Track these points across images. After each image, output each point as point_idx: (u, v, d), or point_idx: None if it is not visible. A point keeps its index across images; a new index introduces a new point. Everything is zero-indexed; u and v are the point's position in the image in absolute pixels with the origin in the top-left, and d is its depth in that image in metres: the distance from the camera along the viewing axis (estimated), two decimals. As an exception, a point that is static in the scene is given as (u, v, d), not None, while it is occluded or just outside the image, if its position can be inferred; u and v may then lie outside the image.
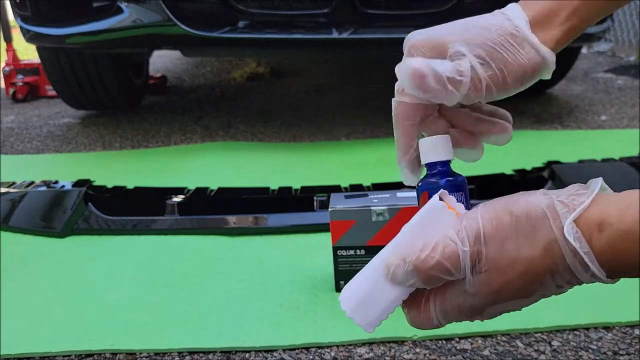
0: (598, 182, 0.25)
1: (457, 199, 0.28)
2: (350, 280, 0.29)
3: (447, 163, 0.30)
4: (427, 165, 0.30)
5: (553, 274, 0.24)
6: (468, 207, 0.29)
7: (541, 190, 0.26)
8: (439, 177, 0.29)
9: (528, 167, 0.93)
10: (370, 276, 0.27)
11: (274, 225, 0.79)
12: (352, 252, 0.60)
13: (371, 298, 0.26)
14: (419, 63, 0.28)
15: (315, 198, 0.81)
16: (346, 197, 0.61)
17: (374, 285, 0.26)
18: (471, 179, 0.88)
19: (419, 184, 0.31)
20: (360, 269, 0.59)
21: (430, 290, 0.27)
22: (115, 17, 1.10)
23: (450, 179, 0.29)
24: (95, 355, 0.53)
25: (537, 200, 0.25)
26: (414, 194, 0.64)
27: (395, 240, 0.27)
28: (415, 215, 0.27)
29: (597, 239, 0.23)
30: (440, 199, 0.28)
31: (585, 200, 0.24)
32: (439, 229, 0.26)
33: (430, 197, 0.29)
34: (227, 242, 0.76)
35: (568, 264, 0.24)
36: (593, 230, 0.23)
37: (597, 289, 0.61)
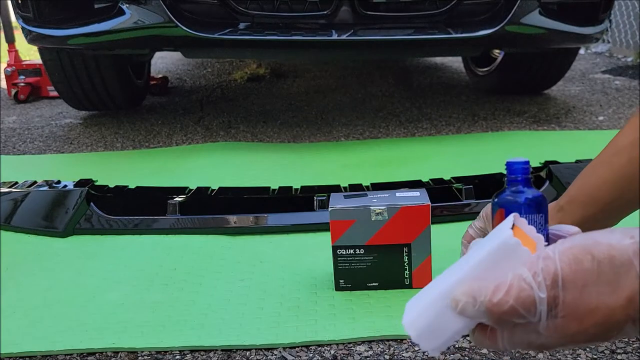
0: None
1: (535, 222, 0.27)
2: (412, 300, 0.28)
3: (527, 168, 0.28)
4: (507, 165, 0.28)
5: (635, 322, 0.23)
6: (545, 230, 0.28)
7: (625, 229, 0.24)
8: (518, 193, 0.27)
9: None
10: (436, 304, 0.26)
11: (274, 225, 0.79)
12: (351, 251, 0.61)
13: (437, 326, 0.26)
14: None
15: (315, 198, 0.82)
16: (346, 196, 0.62)
17: (440, 314, 0.26)
18: (470, 179, 0.88)
19: (495, 199, 0.29)
20: (359, 267, 0.61)
21: None
22: (117, 18, 1.11)
23: (530, 197, 0.27)
24: (97, 354, 0.54)
25: (623, 245, 0.23)
26: (412, 193, 0.64)
27: (464, 270, 0.26)
28: (486, 242, 0.26)
29: None
30: (513, 225, 0.26)
31: None
32: (513, 266, 0.24)
33: (507, 215, 0.27)
34: (228, 242, 0.77)
35: None
36: None
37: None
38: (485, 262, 0.25)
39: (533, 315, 0.24)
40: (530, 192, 0.27)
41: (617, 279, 0.22)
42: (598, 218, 0.37)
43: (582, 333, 0.23)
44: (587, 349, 0.52)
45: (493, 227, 0.30)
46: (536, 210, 0.27)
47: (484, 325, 0.26)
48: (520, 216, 0.27)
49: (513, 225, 0.26)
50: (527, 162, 0.28)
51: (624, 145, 0.37)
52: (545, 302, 0.23)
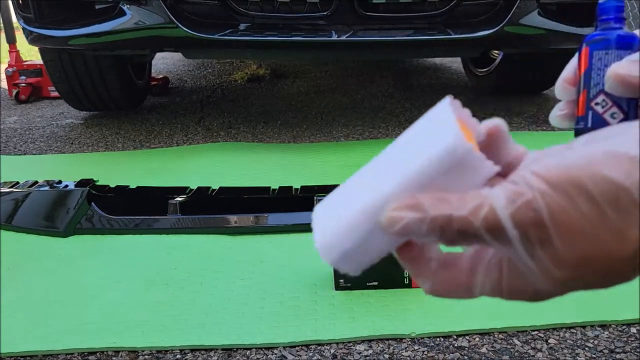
0: None
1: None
2: (322, 212, 0.21)
3: (621, 7, 0.22)
4: (599, 6, 0.23)
5: None
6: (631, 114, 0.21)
7: (624, 146, 0.17)
8: (609, 30, 0.22)
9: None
10: (361, 225, 0.19)
11: (274, 225, 0.79)
12: (351, 251, 0.61)
13: (361, 249, 0.20)
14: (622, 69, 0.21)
15: (315, 198, 0.82)
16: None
17: (366, 235, 0.19)
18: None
19: (582, 43, 0.23)
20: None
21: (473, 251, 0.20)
22: (118, 19, 1.11)
23: (622, 34, 0.22)
24: (97, 354, 0.54)
25: (629, 183, 0.16)
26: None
27: (397, 180, 0.19)
28: (422, 142, 0.19)
29: None
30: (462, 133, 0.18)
31: None
32: (467, 178, 0.18)
33: (591, 54, 0.22)
34: (228, 241, 0.77)
35: None
36: None
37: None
38: (428, 173, 0.18)
39: (510, 247, 0.18)
40: (623, 30, 0.22)
41: (622, 227, 0.17)
42: None
43: (578, 281, 0.18)
44: (586, 349, 0.52)
45: (579, 68, 0.23)
46: (625, 47, 0.21)
47: (451, 263, 0.20)
48: (608, 52, 0.22)
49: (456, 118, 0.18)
50: (622, 1, 0.23)
51: None
52: (522, 248, 0.18)
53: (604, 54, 0.22)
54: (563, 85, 0.25)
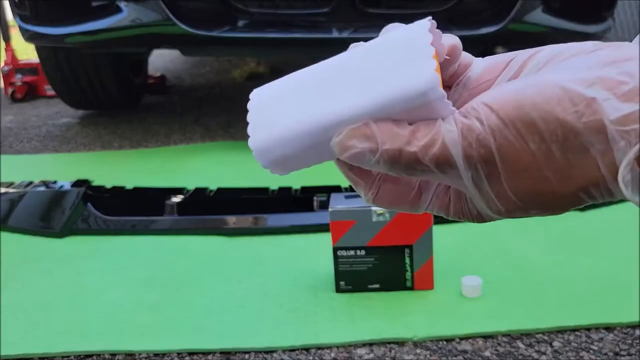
0: None
1: None
2: (262, 115, 0.20)
3: None
4: None
5: (582, 203, 0.18)
6: None
7: (581, 84, 0.16)
8: None
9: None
10: (307, 137, 0.18)
11: (273, 226, 0.79)
12: (352, 252, 0.60)
13: (301, 156, 0.19)
14: None
15: (315, 198, 0.81)
16: (346, 197, 0.61)
17: (310, 147, 0.19)
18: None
19: None
20: (360, 268, 0.60)
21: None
22: (115, 16, 1.10)
23: None
24: (94, 356, 0.53)
25: (583, 124, 0.16)
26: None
27: (355, 102, 0.18)
28: (395, 76, 0.17)
29: None
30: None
31: None
32: (427, 112, 0.17)
33: None
34: (227, 243, 0.76)
35: (614, 197, 0.17)
36: None
37: (598, 290, 0.62)
38: (390, 106, 0.17)
39: (458, 179, 0.18)
40: None
41: (568, 168, 0.17)
42: None
43: (521, 211, 0.19)
44: (591, 351, 0.52)
45: None
46: None
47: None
48: None
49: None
50: None
51: None
52: (470, 179, 0.18)
53: None
54: None
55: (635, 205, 0.17)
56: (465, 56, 0.21)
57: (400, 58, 0.18)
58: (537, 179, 0.18)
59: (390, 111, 0.18)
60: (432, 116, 0.18)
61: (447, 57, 0.20)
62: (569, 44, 0.19)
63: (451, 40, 0.20)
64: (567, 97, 0.17)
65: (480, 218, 0.20)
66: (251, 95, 0.21)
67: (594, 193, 0.17)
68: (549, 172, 0.17)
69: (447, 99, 0.18)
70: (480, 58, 0.21)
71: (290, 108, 0.19)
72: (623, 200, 0.17)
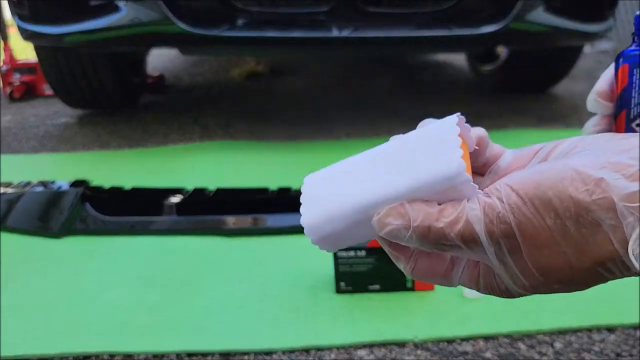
0: None
1: None
2: (316, 197, 0.23)
3: None
4: (636, 19, 0.24)
5: (609, 278, 0.20)
6: None
7: (593, 167, 0.19)
8: None
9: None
10: (350, 216, 0.22)
11: (273, 226, 0.78)
12: (352, 253, 0.59)
13: (344, 234, 0.22)
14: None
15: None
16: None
17: (352, 225, 0.22)
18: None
19: (620, 59, 0.24)
20: (360, 269, 0.59)
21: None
22: (113, 15, 1.09)
23: None
24: (93, 357, 0.53)
25: (593, 203, 0.18)
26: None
27: (392, 186, 0.21)
28: (423, 156, 0.21)
29: None
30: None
31: None
32: (454, 195, 0.20)
33: (631, 71, 0.22)
34: (226, 243, 0.75)
35: (632, 272, 0.19)
36: None
37: (600, 291, 0.61)
38: (422, 188, 0.21)
39: (483, 255, 0.20)
40: None
41: (582, 243, 0.19)
42: None
43: (544, 286, 0.20)
44: (592, 352, 0.51)
45: (617, 84, 0.23)
46: None
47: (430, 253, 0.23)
48: None
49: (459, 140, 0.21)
50: None
51: None
52: (495, 255, 0.20)
53: None
54: (597, 100, 0.25)
55: None
56: (496, 147, 0.24)
57: (432, 148, 0.21)
58: (556, 253, 0.19)
59: (422, 193, 0.21)
60: (460, 198, 0.21)
61: (477, 147, 0.23)
62: (591, 136, 0.21)
63: (479, 132, 0.23)
64: (580, 178, 0.19)
65: (509, 293, 0.21)
66: (305, 179, 0.24)
67: (611, 267, 0.19)
68: (566, 247, 0.19)
69: (479, 187, 0.21)
70: (512, 150, 0.24)
71: (337, 190, 0.23)
72: None
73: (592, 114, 0.27)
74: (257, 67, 2.22)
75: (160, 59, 2.55)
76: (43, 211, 0.85)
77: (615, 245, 0.18)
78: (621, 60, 0.23)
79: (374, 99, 1.72)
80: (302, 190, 0.24)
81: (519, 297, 0.22)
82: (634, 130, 0.22)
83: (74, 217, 0.81)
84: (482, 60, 1.82)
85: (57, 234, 0.78)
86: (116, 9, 1.09)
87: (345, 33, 1.06)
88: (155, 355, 0.52)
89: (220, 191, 0.87)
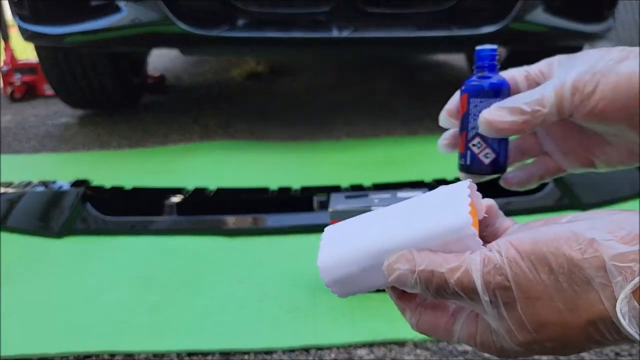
0: None
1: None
2: (330, 237, 0.25)
3: (494, 55, 0.26)
4: (476, 52, 0.26)
5: (601, 343, 0.20)
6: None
7: (587, 229, 0.20)
8: (484, 79, 0.25)
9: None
10: (362, 260, 0.24)
11: (273, 226, 0.78)
12: (352, 252, 0.59)
13: (357, 279, 0.24)
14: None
15: (314, 198, 0.81)
16: (346, 197, 0.61)
17: (364, 270, 0.24)
18: (472, 179, 0.87)
19: (463, 87, 0.27)
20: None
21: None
22: (114, 15, 1.09)
23: (495, 82, 0.25)
24: (93, 357, 0.53)
25: (585, 261, 0.19)
26: (415, 194, 0.64)
27: (402, 235, 0.23)
28: (434, 210, 0.23)
29: None
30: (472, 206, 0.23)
31: None
32: (460, 247, 0.22)
33: (468, 100, 0.25)
34: (226, 243, 0.76)
35: (623, 335, 0.19)
36: None
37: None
38: (431, 239, 0.23)
39: (480, 306, 0.21)
40: (495, 78, 0.26)
41: (575, 299, 0.20)
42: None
43: (539, 344, 0.21)
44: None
45: (460, 108, 0.27)
46: (495, 95, 0.25)
47: (436, 307, 0.24)
48: (482, 100, 0.25)
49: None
50: (495, 50, 0.26)
51: None
52: (489, 305, 0.21)
53: (479, 101, 0.25)
54: (446, 117, 0.28)
55: (634, 340, 0.19)
56: (508, 221, 0.25)
57: (442, 204, 0.24)
58: (550, 308, 0.20)
59: (430, 244, 0.23)
60: (465, 251, 0.22)
61: (485, 215, 0.24)
62: (591, 210, 0.23)
63: (489, 201, 0.25)
64: (574, 237, 0.20)
65: (503, 352, 0.22)
66: (325, 229, 0.27)
67: (601, 329, 0.20)
68: (559, 302, 0.20)
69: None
70: (519, 224, 0.25)
71: (352, 238, 0.25)
72: (632, 341, 0.19)
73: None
74: (257, 68, 2.22)
75: (160, 59, 2.55)
76: (44, 211, 0.85)
77: (605, 303, 0.19)
78: (463, 88, 0.26)
79: (374, 99, 1.72)
80: (321, 238, 0.26)
81: (514, 357, 0.22)
82: (471, 150, 0.26)
83: (75, 217, 0.81)
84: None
85: (58, 234, 0.78)
86: (117, 9, 1.09)
87: (345, 33, 1.06)
88: (155, 355, 0.53)
89: (220, 191, 0.88)
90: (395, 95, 1.76)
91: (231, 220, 0.79)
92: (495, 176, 0.26)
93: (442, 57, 2.52)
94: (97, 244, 0.77)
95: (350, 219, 0.26)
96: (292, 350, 0.53)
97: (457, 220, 0.22)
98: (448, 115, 0.28)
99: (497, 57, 0.26)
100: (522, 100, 0.24)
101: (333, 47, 1.17)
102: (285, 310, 0.58)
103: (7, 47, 2.05)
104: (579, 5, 1.16)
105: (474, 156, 0.26)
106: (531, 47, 1.36)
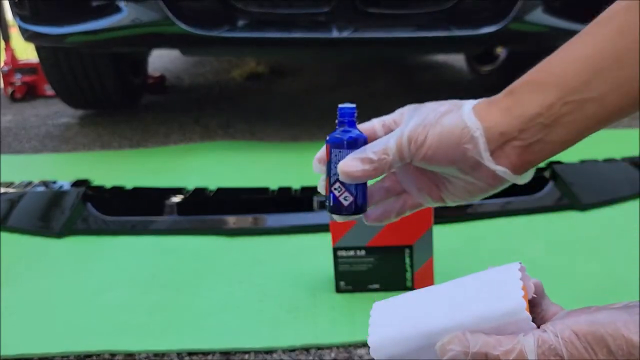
0: None
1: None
2: (379, 315, 0.26)
3: (353, 113, 0.30)
4: (338, 110, 0.30)
5: None
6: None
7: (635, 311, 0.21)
8: (344, 132, 0.30)
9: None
10: (413, 340, 0.24)
11: (273, 226, 0.78)
12: (352, 252, 0.60)
13: (406, 357, 0.25)
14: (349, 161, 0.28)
15: (315, 198, 0.81)
16: (346, 197, 0.61)
17: (415, 350, 0.24)
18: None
19: (327, 139, 0.31)
20: (360, 269, 0.60)
21: None
22: (114, 16, 1.10)
23: (353, 136, 0.29)
24: (94, 356, 0.53)
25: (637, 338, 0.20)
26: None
27: (456, 317, 0.24)
28: (489, 294, 0.24)
29: None
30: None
31: None
32: (513, 330, 0.23)
33: (330, 150, 0.29)
34: (227, 243, 0.76)
35: None
36: None
37: (598, 289, 0.61)
38: (485, 321, 0.24)
39: None
40: (354, 132, 0.30)
41: None
42: (561, 112, 0.25)
43: None
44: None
45: (325, 159, 0.30)
46: (353, 147, 0.29)
47: None
48: (341, 151, 0.29)
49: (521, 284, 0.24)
50: (354, 108, 0.30)
51: (616, 11, 0.26)
52: None
53: (338, 151, 0.29)
54: (316, 164, 0.31)
55: None
56: (553, 305, 0.26)
57: (496, 287, 0.24)
58: None
59: (484, 326, 0.24)
60: (518, 331, 0.23)
61: (534, 296, 0.25)
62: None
63: (536, 282, 0.26)
64: (632, 320, 0.21)
65: None
66: (374, 305, 0.27)
67: None
68: None
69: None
70: (568, 310, 0.25)
71: (404, 316, 0.25)
72: None
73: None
74: (257, 68, 2.23)
75: (161, 60, 2.55)
76: (44, 211, 0.85)
77: None
78: (327, 139, 0.30)
79: (373, 99, 1.72)
80: (370, 314, 0.27)
81: None
82: (333, 193, 0.29)
83: (75, 217, 0.81)
84: (481, 60, 1.82)
85: (59, 234, 0.79)
86: (117, 9, 1.09)
87: (345, 34, 1.06)
88: (156, 354, 0.53)
89: (220, 191, 0.88)
90: (394, 96, 1.76)
91: (231, 220, 0.79)
92: (359, 216, 0.29)
93: (442, 58, 2.52)
94: (98, 243, 0.77)
95: (400, 295, 0.27)
96: (292, 350, 0.53)
97: (512, 304, 0.23)
98: (319, 162, 0.31)
99: (355, 115, 0.30)
100: (370, 150, 0.28)
101: (333, 48, 1.17)
102: (285, 310, 0.58)
103: (8, 47, 2.06)
104: (578, 6, 1.16)
105: (335, 199, 0.29)
106: (531, 48, 1.36)
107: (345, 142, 0.29)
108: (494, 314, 0.23)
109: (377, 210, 0.31)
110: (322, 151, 0.31)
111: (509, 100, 0.26)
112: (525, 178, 0.27)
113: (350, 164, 0.28)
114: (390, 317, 0.26)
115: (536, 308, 0.25)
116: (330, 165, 0.29)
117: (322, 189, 0.31)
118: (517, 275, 0.24)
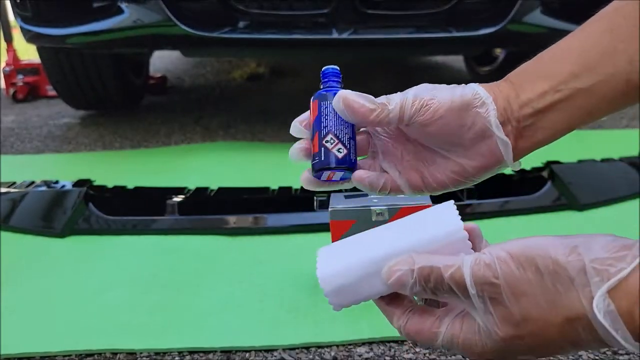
0: None
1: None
2: (327, 251, 0.28)
3: (337, 73, 0.31)
4: (322, 71, 0.31)
5: (575, 344, 0.22)
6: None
7: (574, 240, 0.23)
8: (329, 89, 0.30)
9: (527, 167, 0.93)
10: (361, 268, 0.26)
11: (274, 226, 0.79)
12: (351, 252, 0.60)
13: (354, 288, 0.26)
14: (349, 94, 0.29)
15: (315, 198, 0.81)
16: (346, 197, 0.61)
17: (363, 278, 0.26)
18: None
19: (312, 97, 0.31)
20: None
21: (441, 310, 0.26)
22: (116, 17, 1.10)
23: (339, 89, 0.30)
24: (95, 355, 0.53)
25: (568, 262, 0.22)
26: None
27: (400, 244, 0.26)
28: (428, 223, 0.26)
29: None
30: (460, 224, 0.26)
31: (626, 268, 0.21)
32: (455, 253, 0.25)
33: (319, 104, 0.29)
34: (227, 242, 0.76)
35: (600, 337, 0.21)
36: (634, 304, 0.20)
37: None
38: (428, 245, 0.25)
39: (468, 298, 0.24)
40: (339, 88, 0.30)
41: (557, 297, 0.22)
42: (553, 99, 0.27)
43: (519, 340, 0.23)
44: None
45: (311, 115, 0.30)
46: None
47: (422, 313, 0.26)
48: (330, 103, 0.29)
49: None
50: (337, 68, 0.31)
51: (607, 11, 0.29)
52: (477, 299, 0.23)
53: (328, 103, 0.29)
54: (297, 126, 0.31)
55: (606, 342, 0.21)
56: (489, 244, 0.27)
57: (434, 217, 0.27)
58: (532, 304, 0.23)
59: (427, 248, 0.25)
60: (457, 253, 0.25)
61: (470, 233, 0.27)
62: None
63: (472, 224, 0.27)
64: (561, 244, 0.23)
65: (484, 353, 0.24)
66: (319, 250, 0.29)
67: (577, 326, 0.22)
68: (542, 299, 0.22)
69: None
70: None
71: (349, 251, 0.27)
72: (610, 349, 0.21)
73: None
74: (258, 69, 2.23)
75: (162, 61, 2.56)
76: (46, 211, 0.86)
77: (582, 302, 0.21)
78: (312, 98, 0.31)
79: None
80: (317, 254, 0.28)
81: (493, 358, 0.24)
82: (325, 146, 0.29)
83: (77, 216, 0.81)
84: (480, 61, 1.83)
85: (60, 234, 0.79)
86: (119, 10, 1.10)
87: (345, 35, 1.07)
88: (157, 353, 0.53)
89: (221, 191, 0.88)
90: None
91: (232, 220, 0.80)
92: (349, 173, 0.29)
93: (441, 59, 2.53)
94: (100, 243, 0.77)
95: (342, 240, 0.28)
96: (292, 348, 0.53)
97: (451, 226, 0.25)
98: (300, 124, 0.31)
99: (339, 75, 0.31)
100: (370, 97, 0.28)
101: (333, 49, 1.18)
102: (286, 310, 0.59)
103: (10, 48, 2.06)
104: (577, 7, 1.16)
105: (327, 151, 0.29)
106: (529, 49, 1.36)
107: (333, 95, 0.29)
108: (435, 237, 0.25)
109: (363, 173, 0.31)
110: (304, 115, 0.31)
111: (506, 86, 0.30)
112: (515, 166, 0.29)
113: (351, 96, 0.28)
114: (336, 253, 0.27)
115: (474, 248, 0.27)
116: (319, 118, 0.29)
117: (300, 152, 0.31)
118: (453, 206, 0.27)
